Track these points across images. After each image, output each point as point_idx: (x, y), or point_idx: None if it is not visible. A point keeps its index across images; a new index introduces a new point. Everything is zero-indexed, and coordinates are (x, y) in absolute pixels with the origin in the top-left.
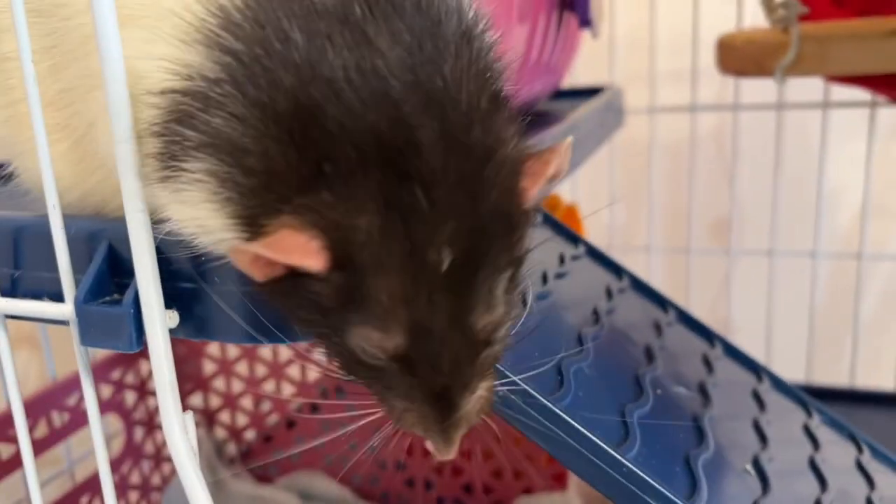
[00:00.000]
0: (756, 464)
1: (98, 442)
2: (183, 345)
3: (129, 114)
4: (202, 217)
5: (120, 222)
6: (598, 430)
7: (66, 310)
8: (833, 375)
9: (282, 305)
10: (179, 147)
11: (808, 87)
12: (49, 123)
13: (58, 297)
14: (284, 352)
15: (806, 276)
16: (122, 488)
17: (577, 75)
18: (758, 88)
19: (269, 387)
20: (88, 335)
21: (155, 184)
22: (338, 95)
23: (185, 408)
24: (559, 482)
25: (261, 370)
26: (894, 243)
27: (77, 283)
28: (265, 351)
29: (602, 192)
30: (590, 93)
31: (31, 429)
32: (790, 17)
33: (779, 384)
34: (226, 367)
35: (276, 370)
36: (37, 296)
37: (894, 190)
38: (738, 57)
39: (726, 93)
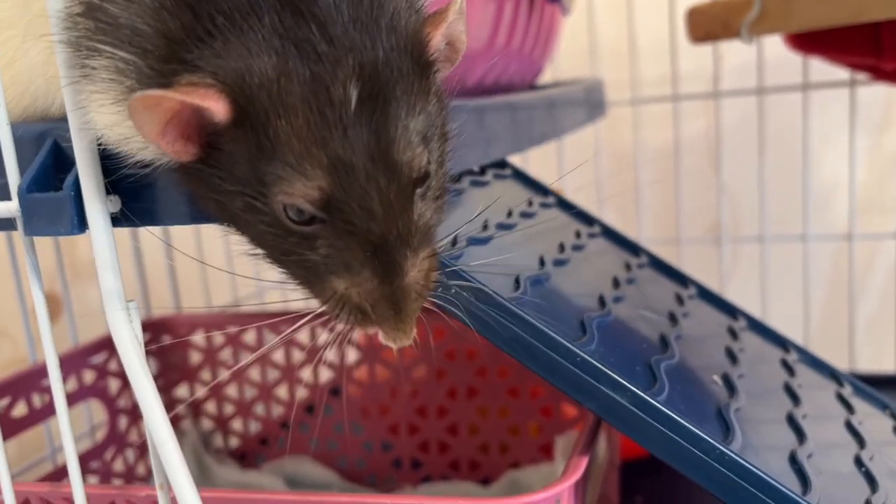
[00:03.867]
0: (725, 378)
1: (56, 386)
2: (169, 335)
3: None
4: (115, 119)
5: (66, 121)
6: (554, 327)
7: (11, 206)
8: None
9: (204, 191)
10: (87, 40)
11: (790, 75)
12: None
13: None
14: (269, 338)
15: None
16: (105, 475)
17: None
18: (740, 81)
19: (254, 373)
20: (32, 224)
21: (76, 83)
22: None
23: (171, 401)
24: (546, 454)
25: (246, 357)
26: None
27: None
28: (250, 336)
29: (591, 191)
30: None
31: (9, 408)
32: None
33: (756, 326)
34: (211, 357)
35: (262, 356)
36: None
37: (888, 182)
38: (706, 20)
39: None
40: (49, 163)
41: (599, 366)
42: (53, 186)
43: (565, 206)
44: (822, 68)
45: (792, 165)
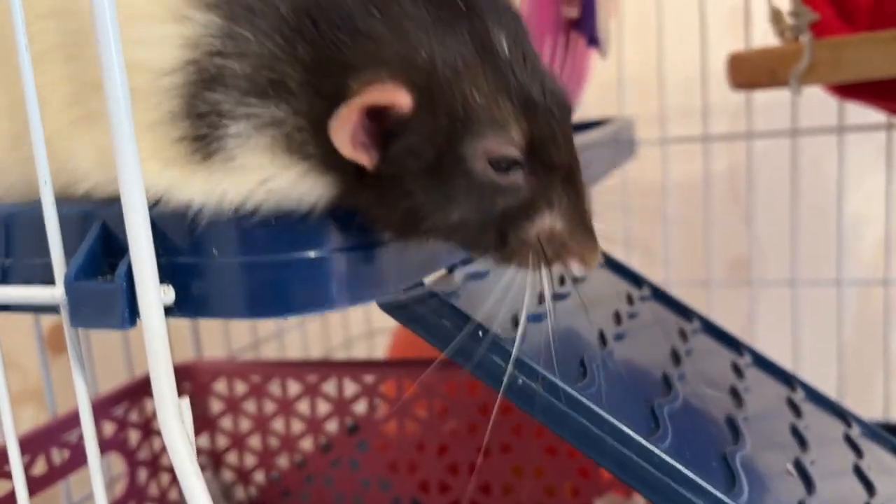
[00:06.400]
0: (798, 465)
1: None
2: (190, 382)
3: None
4: (271, 172)
5: (115, 202)
6: (626, 420)
7: (56, 292)
8: (865, 410)
9: (386, 197)
10: (213, 115)
11: (822, 113)
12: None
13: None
14: (293, 388)
15: (833, 310)
16: None
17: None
18: (770, 118)
19: (277, 425)
20: (79, 315)
21: (191, 167)
22: None
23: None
24: None
25: (269, 407)
26: None
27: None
28: (274, 387)
29: (617, 231)
30: (600, 125)
31: (29, 465)
32: (801, 25)
33: (814, 396)
34: (233, 406)
35: (286, 406)
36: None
37: None
38: (750, 68)
39: (738, 127)
40: (97, 247)
41: (677, 465)
42: (101, 272)
43: (613, 265)
44: (854, 109)
45: (816, 205)
